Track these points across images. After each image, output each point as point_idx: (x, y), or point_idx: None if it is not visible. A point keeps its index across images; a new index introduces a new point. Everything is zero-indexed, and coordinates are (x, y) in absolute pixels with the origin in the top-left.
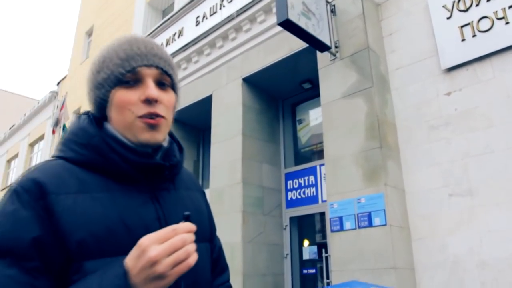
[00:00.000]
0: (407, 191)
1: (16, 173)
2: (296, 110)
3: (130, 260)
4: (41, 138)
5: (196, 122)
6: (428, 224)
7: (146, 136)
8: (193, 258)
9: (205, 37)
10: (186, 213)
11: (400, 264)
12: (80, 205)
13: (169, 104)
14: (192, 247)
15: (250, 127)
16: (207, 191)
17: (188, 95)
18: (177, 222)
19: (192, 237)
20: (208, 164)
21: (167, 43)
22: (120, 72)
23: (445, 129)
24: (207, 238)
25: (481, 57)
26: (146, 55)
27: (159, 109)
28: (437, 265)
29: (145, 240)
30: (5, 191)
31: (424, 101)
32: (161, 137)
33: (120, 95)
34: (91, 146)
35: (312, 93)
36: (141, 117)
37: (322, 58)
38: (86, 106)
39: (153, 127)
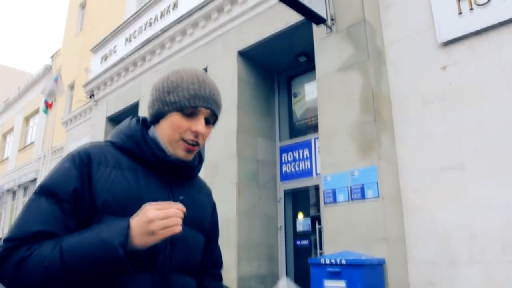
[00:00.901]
0: (400, 164)
1: (11, 147)
2: (291, 84)
3: (134, 217)
4: (36, 111)
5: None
6: (420, 196)
7: (182, 155)
8: (179, 228)
9: (200, 9)
10: (181, 197)
11: (391, 236)
12: (112, 176)
13: (207, 136)
14: (180, 220)
15: (245, 101)
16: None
17: None
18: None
19: (181, 214)
20: None
21: (162, 15)
22: (185, 105)
23: (440, 103)
24: (204, 232)
25: (478, 31)
26: (208, 99)
27: (199, 140)
28: (427, 237)
29: (149, 205)
30: None
31: (419, 75)
32: (191, 158)
33: (177, 119)
34: (134, 138)
35: (307, 67)
36: (185, 140)
37: (318, 31)
38: (81, 80)
39: (190, 152)
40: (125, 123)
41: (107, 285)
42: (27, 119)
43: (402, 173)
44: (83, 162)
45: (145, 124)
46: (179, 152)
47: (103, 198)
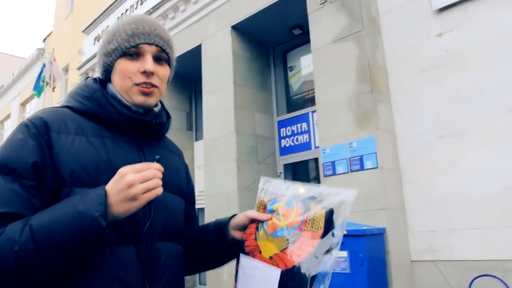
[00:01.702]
0: (398, 134)
1: (9, 134)
2: (287, 57)
3: (110, 183)
4: (32, 97)
5: (186, 73)
6: (418, 166)
7: (140, 100)
8: (161, 190)
9: None
10: (157, 156)
11: (390, 205)
12: (76, 144)
13: (163, 77)
14: (160, 181)
15: (241, 76)
16: (201, 142)
17: (176, 46)
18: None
19: (160, 175)
20: (201, 115)
21: None
22: (126, 46)
23: (436, 71)
24: (182, 194)
25: None
26: (149, 34)
27: (153, 80)
28: (426, 205)
29: (124, 168)
30: None
31: (414, 43)
32: (153, 101)
33: (123, 65)
34: (93, 98)
35: (302, 39)
36: (137, 84)
37: (311, 2)
38: (75, 63)
39: (146, 94)
40: (80, 84)
41: (87, 264)
42: (23, 105)
43: (400, 142)
44: (39, 131)
45: (102, 84)
46: (136, 98)
47: (70, 169)
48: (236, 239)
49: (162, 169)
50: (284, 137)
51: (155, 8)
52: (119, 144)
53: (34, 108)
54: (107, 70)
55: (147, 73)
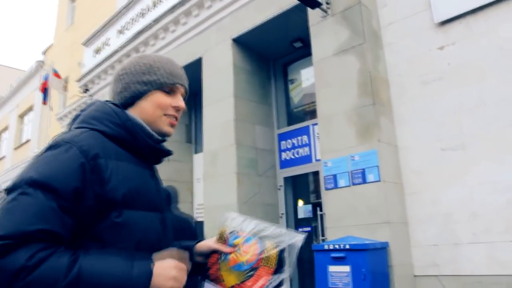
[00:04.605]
0: (400, 146)
1: (7, 145)
2: (287, 70)
3: (158, 266)
4: (30, 109)
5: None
6: (421, 178)
7: (168, 130)
8: (185, 279)
9: None
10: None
11: (393, 219)
12: (120, 169)
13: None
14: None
15: (242, 89)
16: (200, 155)
17: (177, 58)
18: (163, 196)
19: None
20: (200, 127)
21: (154, 5)
22: (165, 82)
23: (438, 83)
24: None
25: (475, 9)
26: (182, 77)
27: (179, 115)
28: (430, 219)
29: (172, 262)
30: None
31: (416, 56)
32: (173, 132)
33: (160, 97)
34: (125, 126)
35: (303, 52)
36: (166, 115)
37: (313, 15)
38: (75, 75)
39: (173, 126)
40: (105, 109)
41: None
42: (21, 117)
43: (403, 155)
44: (86, 156)
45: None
46: (165, 127)
47: (122, 192)
48: (200, 263)
49: (190, 266)
50: (285, 150)
51: (156, 21)
52: (142, 169)
53: (32, 120)
54: (136, 97)
55: (179, 109)
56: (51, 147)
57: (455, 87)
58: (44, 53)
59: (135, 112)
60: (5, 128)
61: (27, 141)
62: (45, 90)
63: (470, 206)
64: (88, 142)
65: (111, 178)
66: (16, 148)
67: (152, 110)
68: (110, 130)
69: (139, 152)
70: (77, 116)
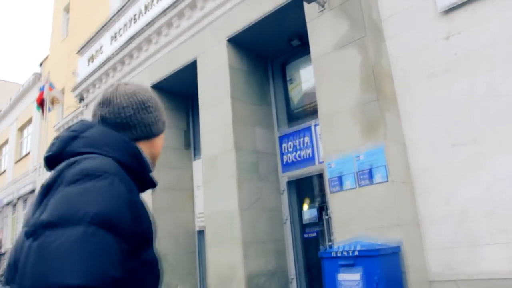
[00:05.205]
0: (408, 144)
1: (8, 160)
2: (286, 70)
3: None
4: (29, 122)
5: (182, 90)
6: (432, 176)
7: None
8: None
9: None
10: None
11: (404, 221)
12: (141, 204)
13: None
14: None
15: (239, 90)
16: (199, 161)
17: (171, 62)
18: None
19: None
20: (199, 133)
21: (146, 9)
22: (165, 125)
23: (445, 75)
24: None
25: None
26: None
27: None
28: (443, 218)
29: None
30: None
31: (421, 48)
32: None
33: (163, 139)
34: (137, 159)
35: (301, 50)
36: None
37: (309, 10)
38: (71, 86)
39: None
40: (114, 135)
41: None
42: (21, 130)
43: (411, 152)
44: (130, 191)
45: None
46: (153, 168)
47: (150, 227)
48: None
49: None
50: (286, 153)
51: (149, 25)
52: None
53: (32, 132)
54: (148, 135)
55: None
56: (90, 177)
57: (463, 78)
58: (41, 65)
59: (145, 147)
60: (5, 142)
61: (27, 154)
62: (42, 102)
63: (486, 204)
64: (123, 174)
65: (144, 213)
66: (16, 162)
67: (157, 150)
68: (125, 159)
69: (142, 183)
70: (73, 137)
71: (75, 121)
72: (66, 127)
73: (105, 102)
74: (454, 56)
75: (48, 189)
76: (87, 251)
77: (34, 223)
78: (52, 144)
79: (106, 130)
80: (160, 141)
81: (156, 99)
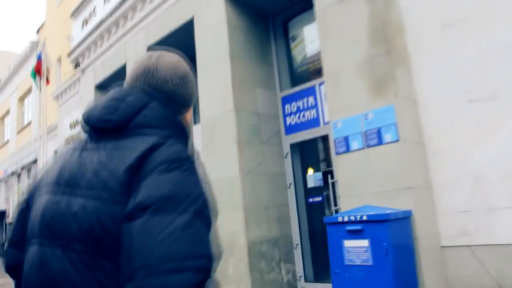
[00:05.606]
0: (421, 101)
1: (10, 130)
2: (288, 27)
3: None
4: (29, 91)
5: (179, 51)
6: (446, 136)
7: None
8: None
9: None
10: None
11: (416, 184)
12: None
13: None
14: None
15: (239, 49)
16: (198, 125)
17: (167, 22)
18: None
19: None
20: (198, 96)
21: None
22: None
23: (461, 25)
24: None
25: None
26: None
27: None
28: (458, 182)
29: None
30: None
31: None
32: None
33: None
34: (185, 134)
35: (304, 6)
36: None
37: None
38: (67, 51)
39: None
40: (170, 112)
41: None
42: (21, 100)
43: (424, 110)
44: None
45: None
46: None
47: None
48: None
49: None
50: (290, 114)
51: None
52: None
53: (32, 102)
54: (188, 106)
55: None
56: (185, 162)
57: (482, 28)
58: (38, 32)
59: (180, 118)
60: (7, 113)
61: (29, 123)
62: (40, 70)
63: (505, 165)
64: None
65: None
66: (19, 132)
67: (189, 120)
68: (178, 135)
69: None
70: (141, 107)
71: (73, 88)
72: (64, 94)
73: (148, 73)
74: (471, 4)
75: (131, 169)
76: (201, 230)
77: (137, 206)
78: (105, 110)
79: (159, 104)
80: (190, 112)
81: (191, 71)
